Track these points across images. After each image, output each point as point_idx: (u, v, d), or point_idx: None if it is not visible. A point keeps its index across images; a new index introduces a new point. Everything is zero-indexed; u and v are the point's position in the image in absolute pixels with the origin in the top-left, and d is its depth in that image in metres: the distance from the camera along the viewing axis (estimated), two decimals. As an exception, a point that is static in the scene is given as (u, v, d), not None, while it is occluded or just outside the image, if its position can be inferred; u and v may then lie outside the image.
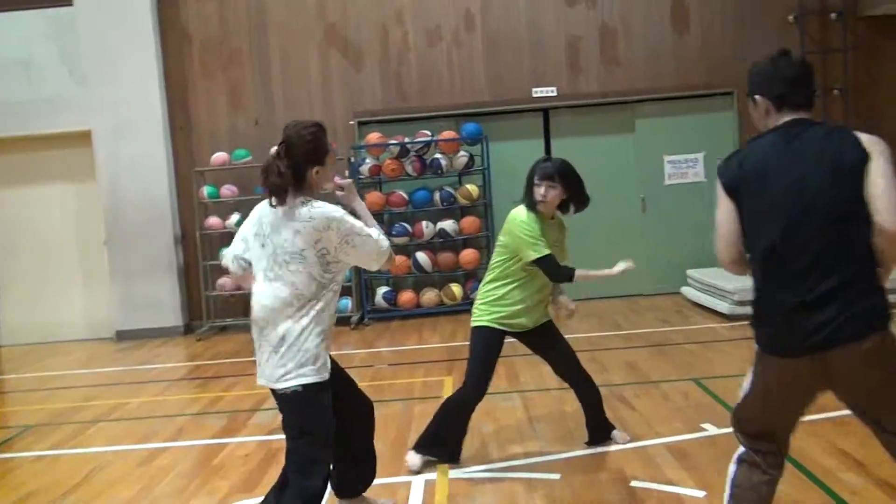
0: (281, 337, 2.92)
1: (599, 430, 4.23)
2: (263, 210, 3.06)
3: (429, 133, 8.69)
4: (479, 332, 4.02)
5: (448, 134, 8.68)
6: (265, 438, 4.84)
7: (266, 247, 2.99)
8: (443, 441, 4.10)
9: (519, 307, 3.96)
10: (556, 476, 3.84)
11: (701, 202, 8.96)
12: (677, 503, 3.46)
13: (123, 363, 7.87)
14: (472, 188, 8.76)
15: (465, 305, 8.74)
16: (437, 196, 8.70)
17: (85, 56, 8.79)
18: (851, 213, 2.30)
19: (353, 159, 8.84)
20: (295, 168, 2.92)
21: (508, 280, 3.96)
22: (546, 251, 3.80)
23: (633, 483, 3.69)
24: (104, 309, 9.15)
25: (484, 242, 8.98)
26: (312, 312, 2.93)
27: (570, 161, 3.97)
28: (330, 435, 3.03)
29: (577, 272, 3.83)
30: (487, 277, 4.07)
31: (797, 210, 2.32)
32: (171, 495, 4.04)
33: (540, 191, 3.85)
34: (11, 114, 8.86)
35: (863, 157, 2.29)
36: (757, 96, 2.53)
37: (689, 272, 8.49)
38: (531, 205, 3.90)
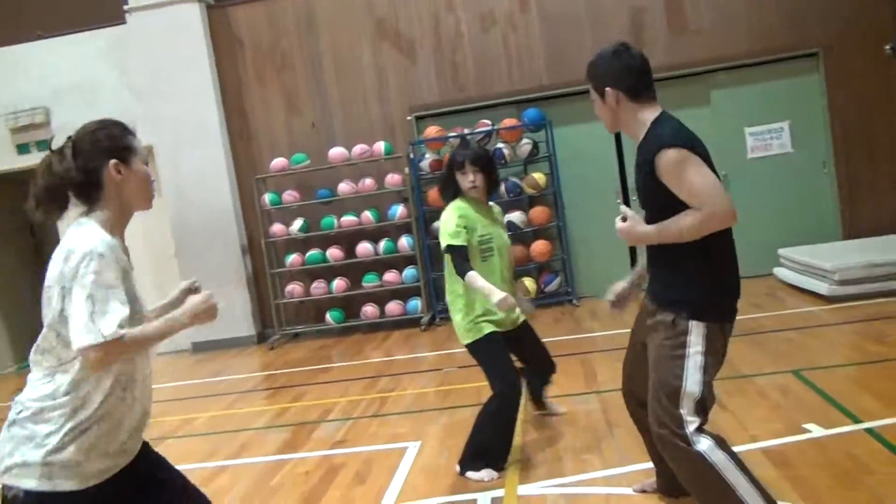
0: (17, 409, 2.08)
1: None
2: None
3: (489, 122, 8.32)
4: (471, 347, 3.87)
5: (509, 122, 8.29)
6: (327, 453, 4.60)
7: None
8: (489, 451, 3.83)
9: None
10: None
11: (789, 175, 8.32)
12: (779, 519, 3.01)
13: (197, 375, 7.83)
14: (538, 177, 8.35)
15: (540, 300, 8.34)
16: (502, 187, 8.31)
17: (141, 72, 8.81)
18: None
19: (412, 155, 8.55)
20: (84, 165, 2.12)
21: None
22: (455, 242, 3.73)
23: (727, 497, 3.24)
24: (179, 322, 9.15)
25: (555, 233, 8.56)
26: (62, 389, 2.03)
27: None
28: None
29: (469, 276, 3.67)
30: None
31: None
32: (226, 521, 3.84)
33: (468, 177, 3.84)
34: (76, 135, 8.96)
35: None
36: (608, 88, 2.67)
37: (782, 251, 7.85)
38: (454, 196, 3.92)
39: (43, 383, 2.05)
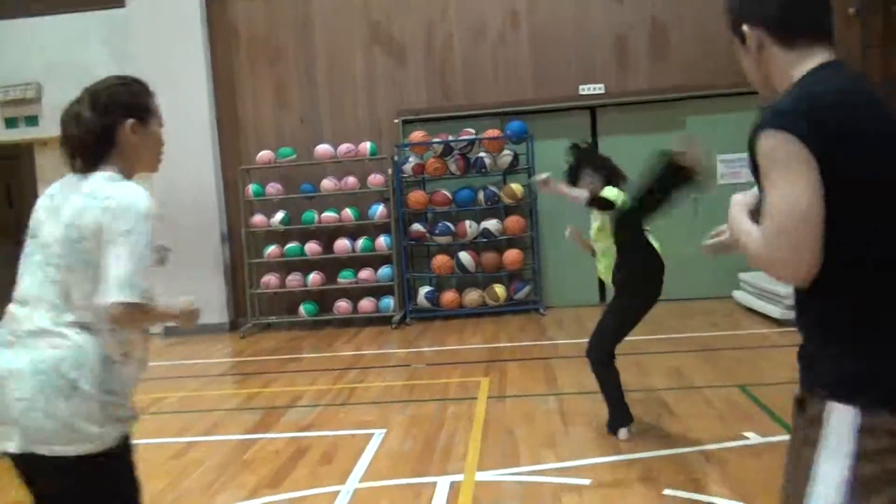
0: None
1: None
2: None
3: (473, 131, 8.59)
4: None
5: (492, 132, 8.57)
6: (296, 435, 4.82)
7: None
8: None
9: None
10: (587, 482, 3.70)
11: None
12: (712, 514, 3.30)
13: (169, 358, 7.97)
14: (516, 187, 8.63)
15: (509, 307, 8.63)
16: (480, 195, 8.60)
17: (136, 56, 8.94)
18: None
19: (396, 158, 8.80)
20: (100, 120, 2.08)
21: None
22: None
23: (666, 491, 3.52)
24: (153, 304, 9.27)
25: (528, 242, 8.84)
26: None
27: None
28: None
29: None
30: None
31: None
32: (198, 489, 4.04)
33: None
34: (67, 113, 9.08)
35: None
36: (745, 25, 1.67)
37: (742, 275, 8.20)
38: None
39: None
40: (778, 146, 1.51)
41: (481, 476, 3.88)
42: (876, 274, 1.53)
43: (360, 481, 3.96)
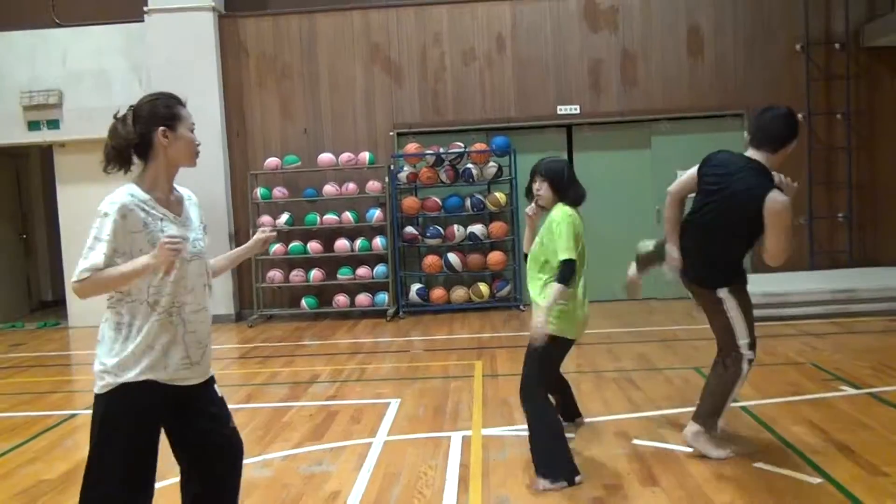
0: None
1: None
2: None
3: (461, 145, 9.53)
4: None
5: (479, 146, 9.52)
6: (325, 403, 5.70)
7: None
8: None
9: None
10: (571, 435, 4.64)
11: (710, 214, 9.77)
12: (669, 456, 4.26)
13: (183, 345, 8.75)
14: (500, 196, 9.59)
15: (492, 303, 9.57)
16: (467, 202, 9.55)
17: (152, 67, 9.72)
18: None
19: (392, 167, 9.70)
20: (140, 130, 2.62)
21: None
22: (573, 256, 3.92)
23: (635, 441, 4.49)
24: (162, 297, 10.03)
25: (510, 245, 9.80)
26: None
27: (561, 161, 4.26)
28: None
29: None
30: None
31: None
32: (252, 442, 4.88)
33: (535, 185, 4.10)
34: (84, 118, 9.80)
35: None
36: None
37: (698, 278, 9.24)
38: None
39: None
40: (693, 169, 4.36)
41: (486, 431, 4.81)
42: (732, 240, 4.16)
43: (387, 435, 4.85)
